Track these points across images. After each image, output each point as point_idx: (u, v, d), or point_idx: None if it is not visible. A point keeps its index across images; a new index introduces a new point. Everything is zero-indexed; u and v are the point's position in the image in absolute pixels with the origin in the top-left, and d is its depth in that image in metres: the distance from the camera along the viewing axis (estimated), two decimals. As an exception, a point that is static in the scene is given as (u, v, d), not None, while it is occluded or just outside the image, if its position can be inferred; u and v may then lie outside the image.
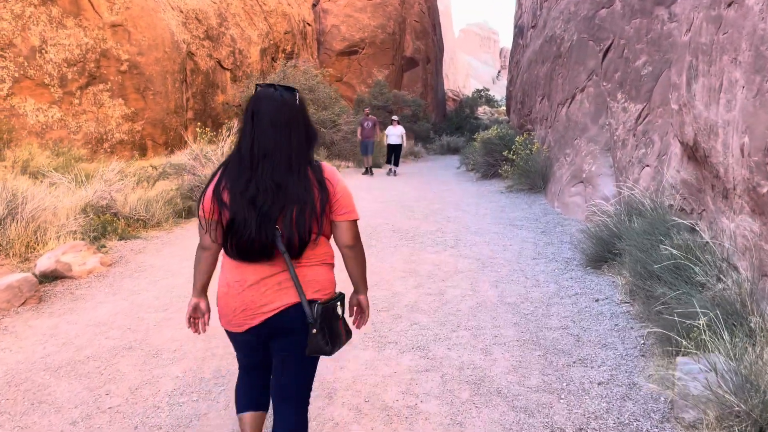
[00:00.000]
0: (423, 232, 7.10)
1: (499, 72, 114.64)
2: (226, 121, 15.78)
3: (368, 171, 15.73)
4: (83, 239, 5.72)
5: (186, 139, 9.79)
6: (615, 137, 8.11)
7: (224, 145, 9.16)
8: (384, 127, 17.54)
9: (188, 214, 7.80)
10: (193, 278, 2.16)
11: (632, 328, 4.03)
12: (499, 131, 13.08)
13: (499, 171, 11.76)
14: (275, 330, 1.99)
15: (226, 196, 1.92)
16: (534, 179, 10.47)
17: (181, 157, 9.21)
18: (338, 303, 2.06)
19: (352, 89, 29.98)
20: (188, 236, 6.88)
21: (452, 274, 5.31)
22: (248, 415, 2.22)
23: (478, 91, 62.44)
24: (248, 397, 2.24)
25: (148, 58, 12.27)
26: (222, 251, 2.05)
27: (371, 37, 30.74)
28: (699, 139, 4.63)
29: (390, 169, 16.00)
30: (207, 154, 8.94)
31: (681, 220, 4.58)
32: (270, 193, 1.88)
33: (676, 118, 5.56)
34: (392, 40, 31.63)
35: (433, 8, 38.46)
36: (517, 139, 11.28)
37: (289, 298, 1.96)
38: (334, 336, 2.01)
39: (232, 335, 2.10)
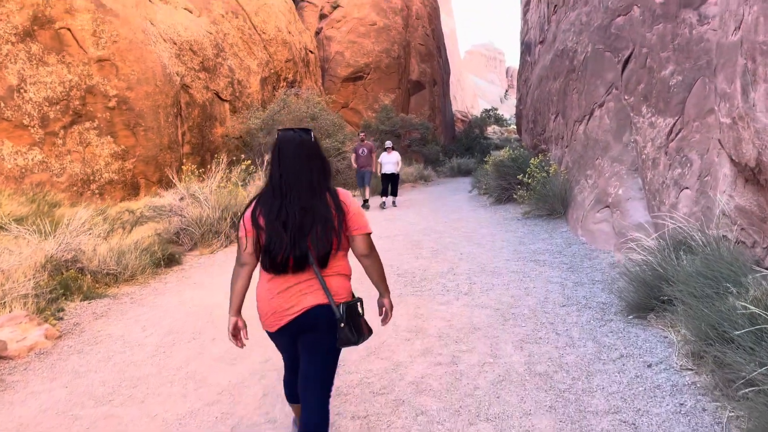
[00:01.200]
0: (432, 274, 6.16)
1: (507, 91, 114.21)
2: (226, 153, 15.07)
3: (366, 204, 13.59)
4: (36, 303, 4.87)
5: (172, 177, 8.99)
6: (643, 156, 7.18)
7: (213, 182, 8.33)
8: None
9: (169, 262, 6.94)
10: (229, 298, 2.53)
11: (704, 409, 3.05)
12: (511, 153, 12.16)
13: (514, 196, 10.82)
14: (301, 327, 2.38)
15: (261, 221, 2.33)
16: (553, 204, 9.52)
17: (166, 197, 8.42)
18: (358, 303, 2.48)
19: (358, 115, 29.33)
20: (164, 291, 6.00)
21: (467, 333, 4.35)
22: (296, 406, 2.73)
23: (487, 111, 61.81)
24: (293, 392, 2.70)
25: (138, 93, 11.58)
26: (259, 267, 2.45)
27: (376, 62, 30.15)
28: (765, 159, 3.70)
29: (383, 202, 13.90)
30: (195, 193, 8.11)
31: (758, 269, 3.61)
32: (299, 215, 2.31)
33: (727, 134, 4.63)
34: (397, 64, 31.03)
35: (437, 31, 37.93)
36: (531, 161, 10.36)
37: (312, 300, 2.35)
38: (359, 330, 2.41)
39: (270, 335, 2.51)
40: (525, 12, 20.89)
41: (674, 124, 6.57)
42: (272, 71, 18.58)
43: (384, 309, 2.63)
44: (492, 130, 56.67)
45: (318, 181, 2.37)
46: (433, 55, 34.75)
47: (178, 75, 13.21)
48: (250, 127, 14.81)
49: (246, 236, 2.39)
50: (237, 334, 2.53)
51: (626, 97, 8.00)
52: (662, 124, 6.83)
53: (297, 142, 2.39)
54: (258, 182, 10.32)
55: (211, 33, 15.50)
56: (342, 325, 2.35)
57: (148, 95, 11.76)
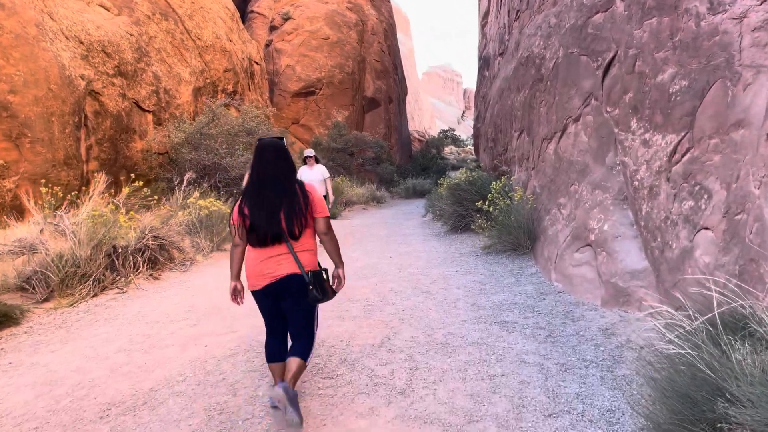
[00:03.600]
0: (358, 350, 4.26)
1: (464, 112, 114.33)
2: (147, 171, 12.97)
3: None
4: None
5: (28, 201, 6.92)
6: (635, 183, 5.53)
7: (85, 210, 6.30)
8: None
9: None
10: (230, 269, 3.32)
11: None
12: (468, 175, 10.47)
13: (472, 226, 9.10)
14: (279, 290, 3.16)
15: (246, 210, 3.12)
16: (518, 237, 7.82)
17: (21, 229, 6.36)
18: (324, 271, 3.26)
19: (309, 132, 27.48)
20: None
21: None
22: (274, 365, 3.24)
23: (444, 131, 61.08)
24: (272, 353, 3.27)
25: (25, 98, 9.44)
26: (247, 246, 3.24)
27: (329, 77, 28.43)
28: None
29: None
30: (59, 225, 6.06)
31: None
32: (272, 201, 3.08)
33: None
34: (351, 80, 29.38)
35: (393, 47, 36.52)
36: (493, 185, 8.65)
37: (289, 269, 3.13)
38: (324, 291, 3.18)
39: (256, 294, 3.25)
40: (483, 25, 19.52)
41: (679, 141, 4.93)
42: (208, 81, 16.57)
43: (337, 278, 3.39)
44: (449, 150, 55.70)
45: (287, 176, 3.16)
46: (389, 72, 33.26)
47: (83, 79, 11.11)
48: (173, 141, 12.75)
49: (236, 225, 3.17)
50: (236, 294, 3.34)
51: (609, 109, 6.39)
52: (661, 143, 5.19)
53: (273, 146, 3.20)
54: (161, 211, 8.30)
55: (132, 35, 13.44)
56: (310, 287, 3.14)
57: (38, 101, 9.64)
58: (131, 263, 6.37)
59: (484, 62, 17.68)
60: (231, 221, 3.17)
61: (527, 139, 9.36)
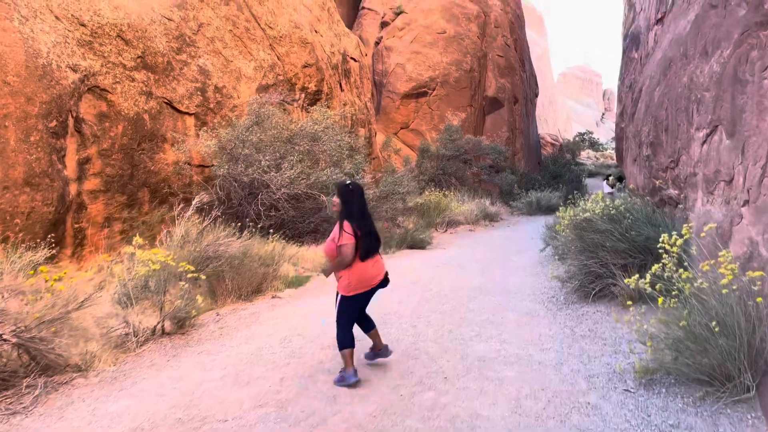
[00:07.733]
0: None
1: (604, 114, 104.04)
2: (180, 190, 9.91)
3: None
4: None
5: None
6: None
7: None
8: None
9: None
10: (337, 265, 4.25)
11: None
12: (607, 206, 5.96)
13: (614, 291, 4.67)
14: (378, 286, 4.32)
15: (359, 233, 4.11)
16: (721, 356, 3.36)
17: None
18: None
19: (420, 137, 23.65)
20: None
21: None
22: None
23: (581, 134, 54.35)
24: (353, 339, 4.22)
25: (-39, 94, 6.62)
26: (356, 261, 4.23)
27: (444, 75, 24.44)
28: None
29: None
30: None
31: None
32: (370, 226, 4.27)
33: None
34: (470, 78, 25.13)
35: (521, 42, 31.52)
36: (663, 240, 4.03)
37: (383, 271, 4.34)
38: (386, 282, 4.42)
39: (361, 295, 4.22)
40: (631, -5, 14.39)
41: None
42: (280, 78, 13.34)
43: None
44: (586, 155, 49.03)
45: (367, 210, 4.41)
46: (514, 69, 28.43)
47: (75, 71, 8.19)
48: (207, 150, 9.55)
49: (351, 244, 4.07)
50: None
51: None
52: None
53: (359, 188, 4.33)
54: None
55: (171, 19, 10.48)
56: (387, 279, 4.39)
57: (-15, 98, 6.79)
58: None
59: (632, 40, 12.68)
60: (351, 240, 4.06)
61: (728, 142, 4.71)
